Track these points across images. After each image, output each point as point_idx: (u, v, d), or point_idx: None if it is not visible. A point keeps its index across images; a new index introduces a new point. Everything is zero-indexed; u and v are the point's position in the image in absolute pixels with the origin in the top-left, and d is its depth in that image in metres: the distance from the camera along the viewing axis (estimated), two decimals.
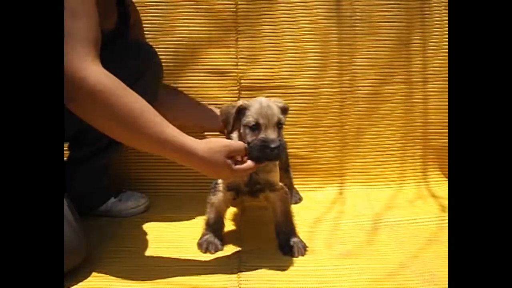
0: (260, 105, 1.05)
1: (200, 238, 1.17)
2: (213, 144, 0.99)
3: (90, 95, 0.92)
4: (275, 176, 1.15)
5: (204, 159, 0.98)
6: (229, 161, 0.99)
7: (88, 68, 0.93)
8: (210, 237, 1.16)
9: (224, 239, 1.21)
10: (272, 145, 1.01)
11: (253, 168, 1.03)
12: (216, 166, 0.99)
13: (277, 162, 1.13)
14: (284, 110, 1.09)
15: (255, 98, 1.08)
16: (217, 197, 1.15)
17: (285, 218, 1.15)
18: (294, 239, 1.13)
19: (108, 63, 0.98)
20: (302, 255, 1.11)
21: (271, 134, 1.02)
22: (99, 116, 0.95)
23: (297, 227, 1.28)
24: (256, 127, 1.04)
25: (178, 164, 1.60)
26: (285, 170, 1.42)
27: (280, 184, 1.17)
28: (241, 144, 1.03)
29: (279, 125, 1.05)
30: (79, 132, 1.28)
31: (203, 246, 1.15)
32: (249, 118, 1.04)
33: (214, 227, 1.17)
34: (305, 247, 1.13)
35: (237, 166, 1.00)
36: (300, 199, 1.51)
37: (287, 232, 1.14)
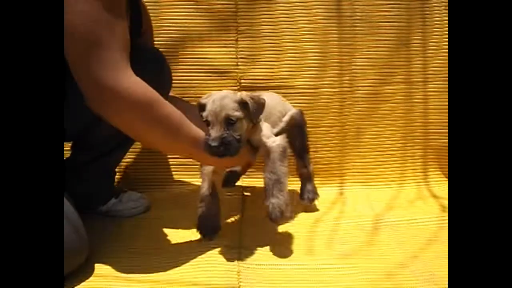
0: (212, 101, 1.05)
1: (198, 220, 1.16)
2: None
3: (136, 106, 0.94)
4: (258, 134, 1.14)
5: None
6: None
7: (130, 78, 0.93)
8: (206, 214, 1.14)
9: (224, 238, 1.21)
10: (211, 144, 1.01)
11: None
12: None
13: (261, 123, 1.15)
14: (242, 104, 1.06)
15: (214, 92, 1.09)
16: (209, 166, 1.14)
17: (270, 166, 1.09)
18: (277, 196, 1.07)
19: None
20: (280, 219, 1.07)
21: (214, 132, 1.02)
22: (143, 126, 0.97)
23: (297, 227, 1.28)
24: (208, 124, 1.05)
25: (178, 164, 1.61)
26: (300, 157, 1.35)
27: (267, 141, 1.12)
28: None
29: (229, 120, 1.04)
30: (82, 133, 1.28)
31: (201, 229, 1.13)
32: (204, 114, 1.05)
33: (208, 199, 1.14)
34: (286, 205, 1.06)
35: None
36: (315, 197, 1.38)
37: (274, 179, 1.08)
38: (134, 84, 0.93)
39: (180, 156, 1.06)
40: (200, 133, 1.04)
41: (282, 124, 1.29)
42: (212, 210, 1.16)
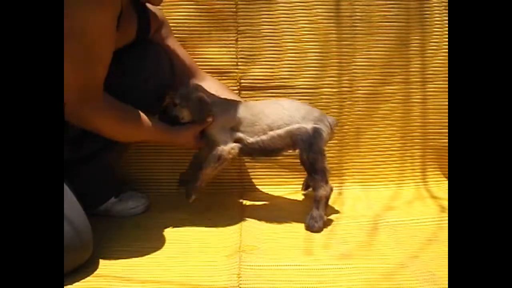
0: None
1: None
2: (188, 131, 1.32)
3: (113, 122, 1.18)
4: (211, 128, 1.31)
5: (181, 143, 1.35)
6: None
7: (105, 103, 1.15)
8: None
9: (224, 239, 1.21)
10: None
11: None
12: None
13: (218, 117, 1.31)
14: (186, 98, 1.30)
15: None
16: None
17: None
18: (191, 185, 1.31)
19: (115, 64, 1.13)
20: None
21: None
22: (120, 130, 1.21)
23: (297, 227, 1.29)
24: None
25: (178, 164, 1.62)
26: (309, 176, 1.31)
27: (220, 141, 1.29)
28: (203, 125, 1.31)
29: (173, 103, 1.31)
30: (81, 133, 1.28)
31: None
32: None
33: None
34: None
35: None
36: (315, 226, 1.27)
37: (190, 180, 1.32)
38: (109, 105, 1.16)
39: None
40: (160, 124, 1.29)
41: (263, 137, 1.29)
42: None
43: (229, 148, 1.29)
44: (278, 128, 1.29)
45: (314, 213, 1.28)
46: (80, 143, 1.30)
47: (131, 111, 1.21)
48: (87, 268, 1.05)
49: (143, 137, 1.27)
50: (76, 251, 1.02)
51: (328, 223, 1.31)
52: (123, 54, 1.20)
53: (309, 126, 1.28)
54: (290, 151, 1.35)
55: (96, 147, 1.32)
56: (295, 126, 1.28)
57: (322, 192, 1.27)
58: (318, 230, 1.26)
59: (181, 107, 1.29)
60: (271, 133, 1.29)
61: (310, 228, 1.27)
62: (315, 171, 1.28)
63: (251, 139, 1.30)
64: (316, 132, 1.28)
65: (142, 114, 1.22)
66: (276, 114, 1.30)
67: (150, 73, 1.30)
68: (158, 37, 1.41)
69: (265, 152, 1.32)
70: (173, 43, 1.45)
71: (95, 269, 1.06)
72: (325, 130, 1.30)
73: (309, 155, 1.26)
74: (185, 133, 1.31)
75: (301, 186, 1.54)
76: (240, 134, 1.30)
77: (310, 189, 1.44)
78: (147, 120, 1.23)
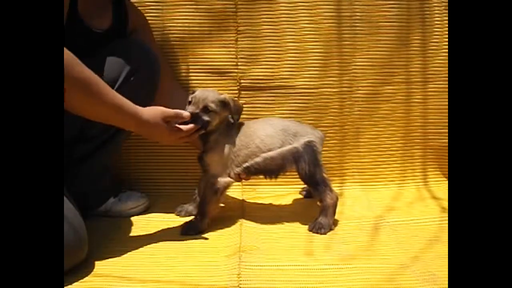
0: (201, 91, 1.27)
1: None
2: (153, 110, 1.12)
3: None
4: (210, 158, 1.28)
5: (148, 122, 1.10)
6: (165, 124, 1.12)
7: None
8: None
9: (224, 238, 1.21)
10: (188, 109, 1.21)
11: (187, 132, 1.17)
12: (154, 128, 1.12)
13: (219, 145, 1.28)
14: (223, 103, 1.25)
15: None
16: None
17: (201, 203, 1.29)
18: (194, 220, 1.28)
19: (99, 58, 1.13)
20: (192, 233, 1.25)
21: (191, 108, 1.21)
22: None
23: (297, 228, 1.29)
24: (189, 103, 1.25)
25: (178, 164, 1.62)
26: (311, 187, 1.31)
27: (216, 173, 1.27)
28: (176, 111, 1.15)
29: (205, 108, 1.22)
30: (79, 131, 1.28)
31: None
32: (191, 96, 1.27)
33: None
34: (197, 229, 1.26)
35: (174, 128, 1.15)
36: (321, 231, 1.26)
37: (200, 207, 1.29)
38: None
39: (102, 121, 1.10)
40: (123, 100, 1.07)
41: (257, 159, 1.29)
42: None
43: (223, 182, 1.27)
44: (270, 150, 1.29)
45: (322, 220, 1.27)
46: (72, 145, 1.30)
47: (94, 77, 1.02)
48: (87, 268, 1.05)
49: (104, 114, 1.07)
50: (74, 250, 1.01)
51: None
52: (105, 48, 1.18)
53: (301, 142, 1.29)
54: (290, 170, 1.33)
55: (88, 148, 1.32)
56: (287, 147, 1.29)
57: (329, 200, 1.28)
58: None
59: (214, 113, 1.23)
60: (264, 155, 1.29)
61: (315, 231, 1.25)
62: (317, 183, 1.28)
63: (246, 164, 1.29)
64: (310, 146, 1.29)
65: (104, 84, 1.03)
66: (264, 136, 1.30)
67: (137, 66, 1.29)
68: (140, 38, 1.39)
69: (261, 173, 1.31)
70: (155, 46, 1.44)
71: (96, 269, 1.06)
72: (318, 142, 1.31)
73: (306, 169, 1.27)
74: (154, 112, 1.11)
75: (301, 187, 1.54)
76: (237, 169, 1.29)
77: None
78: (115, 94, 1.05)
